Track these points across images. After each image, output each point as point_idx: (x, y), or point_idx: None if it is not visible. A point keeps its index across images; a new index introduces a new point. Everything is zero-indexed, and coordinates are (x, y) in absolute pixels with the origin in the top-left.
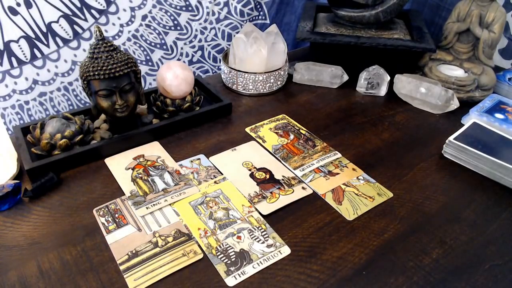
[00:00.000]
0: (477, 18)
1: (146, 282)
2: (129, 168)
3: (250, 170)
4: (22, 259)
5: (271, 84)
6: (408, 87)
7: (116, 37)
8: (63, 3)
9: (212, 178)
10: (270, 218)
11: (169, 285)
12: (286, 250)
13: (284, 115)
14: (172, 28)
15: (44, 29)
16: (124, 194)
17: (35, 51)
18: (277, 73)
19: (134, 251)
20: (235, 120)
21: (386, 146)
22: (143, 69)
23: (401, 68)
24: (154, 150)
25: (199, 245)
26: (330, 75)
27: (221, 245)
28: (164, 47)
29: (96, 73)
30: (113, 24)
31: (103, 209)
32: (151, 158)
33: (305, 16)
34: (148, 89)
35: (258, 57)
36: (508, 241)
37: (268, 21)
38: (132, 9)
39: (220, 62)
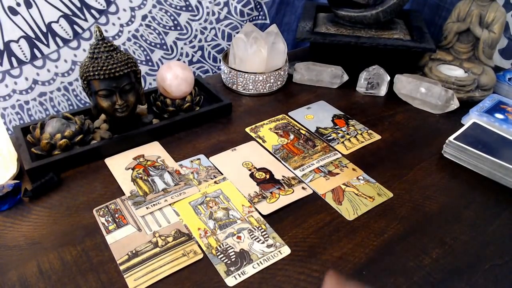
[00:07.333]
0: (477, 18)
1: (146, 282)
2: (129, 168)
3: (250, 170)
4: (22, 259)
5: (271, 84)
6: (408, 87)
7: (116, 37)
8: (63, 3)
9: (212, 178)
10: (270, 218)
11: (169, 285)
12: (286, 250)
13: (284, 115)
14: (172, 28)
15: (44, 29)
16: (124, 194)
17: (35, 51)
18: (277, 73)
19: (134, 251)
20: (235, 120)
21: (386, 146)
22: (143, 69)
23: (401, 68)
24: (154, 150)
25: (199, 245)
26: (330, 75)
27: (221, 245)
28: (164, 47)
29: (96, 73)
30: (113, 24)
31: (103, 209)
32: (151, 158)
33: (305, 16)
34: (148, 89)
35: (258, 57)
36: (508, 241)
37: (268, 21)
38: (132, 9)
39: (220, 62)
